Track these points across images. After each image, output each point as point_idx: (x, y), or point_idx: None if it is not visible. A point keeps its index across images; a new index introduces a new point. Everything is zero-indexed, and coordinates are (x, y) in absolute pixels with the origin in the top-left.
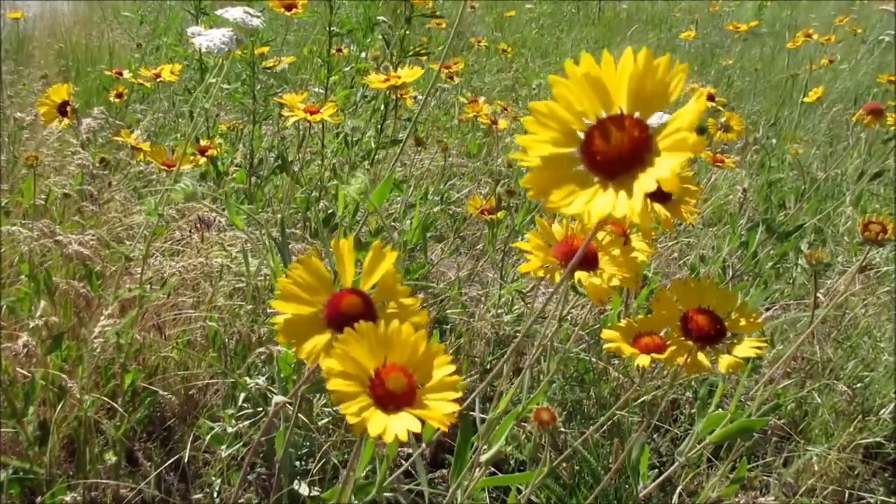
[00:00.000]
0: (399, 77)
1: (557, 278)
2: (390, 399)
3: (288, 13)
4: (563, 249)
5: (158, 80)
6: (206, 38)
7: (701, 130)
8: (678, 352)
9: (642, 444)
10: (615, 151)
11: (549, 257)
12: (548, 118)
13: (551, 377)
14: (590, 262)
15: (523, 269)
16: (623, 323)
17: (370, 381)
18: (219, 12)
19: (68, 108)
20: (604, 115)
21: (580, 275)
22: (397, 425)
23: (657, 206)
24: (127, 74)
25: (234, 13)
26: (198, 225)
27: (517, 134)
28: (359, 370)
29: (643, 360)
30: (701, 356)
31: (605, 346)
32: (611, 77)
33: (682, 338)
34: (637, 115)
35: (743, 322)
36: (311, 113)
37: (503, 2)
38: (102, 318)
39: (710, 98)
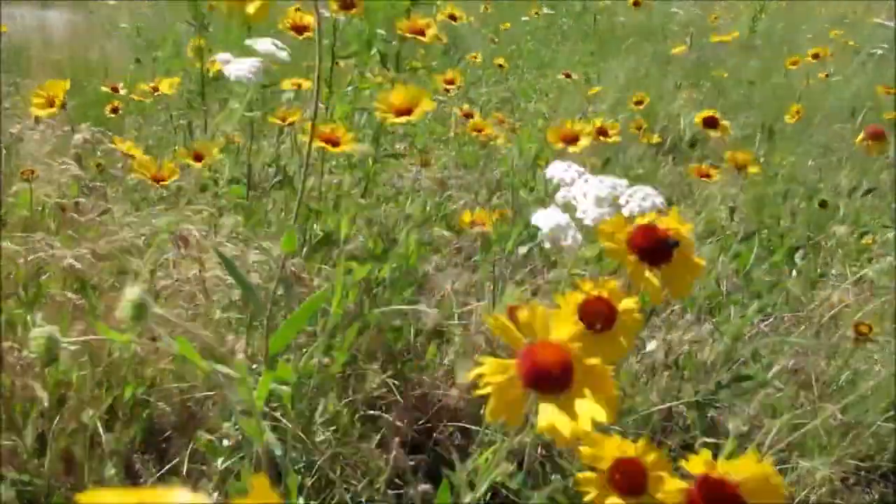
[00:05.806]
0: (409, 116)
1: (514, 421)
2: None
3: (300, 37)
4: (527, 366)
5: (157, 94)
6: (236, 68)
7: (693, 143)
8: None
9: None
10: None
11: (510, 392)
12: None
13: None
14: (558, 381)
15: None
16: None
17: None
18: (248, 42)
19: (56, 101)
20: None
21: (545, 414)
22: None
23: (648, 275)
24: (123, 91)
25: (264, 45)
26: (178, 242)
27: (510, 145)
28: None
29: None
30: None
31: None
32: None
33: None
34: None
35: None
36: (333, 143)
37: (501, 11)
38: None
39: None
